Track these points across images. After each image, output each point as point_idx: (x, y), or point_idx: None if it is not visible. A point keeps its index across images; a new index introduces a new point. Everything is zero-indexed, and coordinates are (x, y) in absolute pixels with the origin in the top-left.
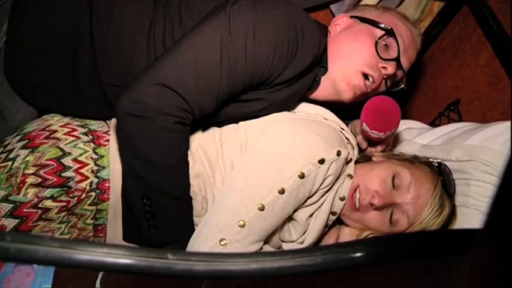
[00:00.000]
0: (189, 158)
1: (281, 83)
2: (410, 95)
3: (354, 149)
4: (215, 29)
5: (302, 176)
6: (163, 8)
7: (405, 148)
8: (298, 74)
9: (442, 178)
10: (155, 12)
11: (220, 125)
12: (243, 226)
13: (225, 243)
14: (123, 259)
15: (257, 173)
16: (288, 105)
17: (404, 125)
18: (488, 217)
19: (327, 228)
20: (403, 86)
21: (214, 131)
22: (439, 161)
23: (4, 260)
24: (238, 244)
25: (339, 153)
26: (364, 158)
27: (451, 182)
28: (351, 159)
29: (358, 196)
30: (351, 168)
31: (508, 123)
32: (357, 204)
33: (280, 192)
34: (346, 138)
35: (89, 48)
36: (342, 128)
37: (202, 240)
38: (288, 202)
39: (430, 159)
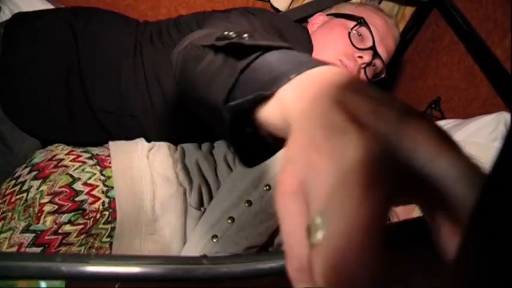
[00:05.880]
0: (188, 174)
1: None
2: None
3: None
4: (218, 25)
5: None
6: (144, 28)
7: None
8: None
9: None
10: (138, 34)
11: (217, 138)
12: (232, 222)
13: (217, 240)
14: (163, 269)
15: (243, 175)
16: None
17: None
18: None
19: None
20: (383, 75)
21: (208, 146)
22: None
23: (57, 279)
24: (229, 239)
25: None
26: None
27: None
28: None
29: None
30: None
31: (488, 116)
32: None
33: (266, 189)
34: None
35: (78, 76)
36: None
37: (196, 239)
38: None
39: None
